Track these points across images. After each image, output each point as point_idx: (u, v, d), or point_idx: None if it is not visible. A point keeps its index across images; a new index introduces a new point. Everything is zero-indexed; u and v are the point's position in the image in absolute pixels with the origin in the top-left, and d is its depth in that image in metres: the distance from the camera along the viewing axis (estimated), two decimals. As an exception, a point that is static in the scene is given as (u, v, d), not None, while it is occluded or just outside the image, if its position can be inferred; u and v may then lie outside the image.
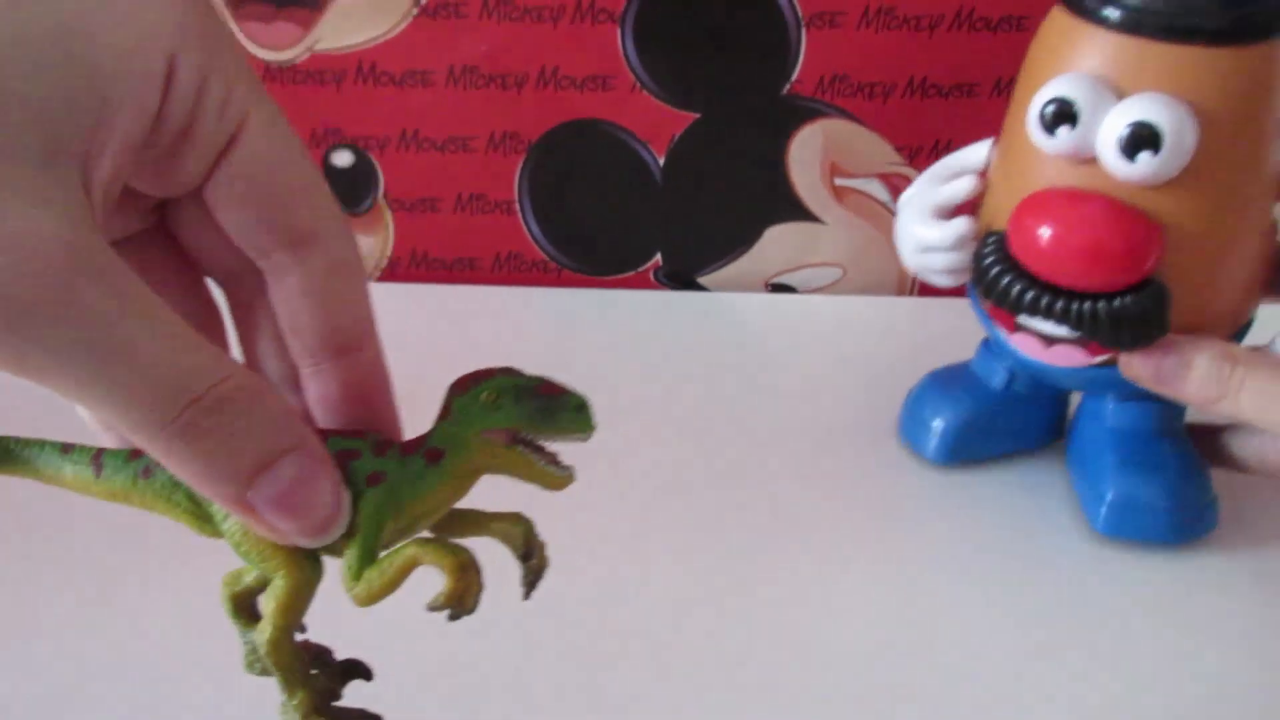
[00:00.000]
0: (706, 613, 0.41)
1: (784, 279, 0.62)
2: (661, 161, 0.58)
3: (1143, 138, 0.35)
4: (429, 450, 0.24)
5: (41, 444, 0.26)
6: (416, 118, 0.57)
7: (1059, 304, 0.38)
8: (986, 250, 0.40)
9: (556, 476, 0.25)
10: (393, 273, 0.62)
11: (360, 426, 0.26)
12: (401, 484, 0.24)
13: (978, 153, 0.44)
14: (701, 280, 0.62)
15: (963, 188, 0.43)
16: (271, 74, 0.56)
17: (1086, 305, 0.37)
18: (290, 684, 0.25)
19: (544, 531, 0.27)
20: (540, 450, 0.25)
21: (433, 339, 0.56)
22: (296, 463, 0.22)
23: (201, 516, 0.25)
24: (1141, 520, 0.43)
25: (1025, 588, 0.42)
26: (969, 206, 0.43)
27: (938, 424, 0.47)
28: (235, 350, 0.28)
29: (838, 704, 0.37)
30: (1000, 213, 0.40)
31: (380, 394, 0.27)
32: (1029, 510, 0.45)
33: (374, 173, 0.59)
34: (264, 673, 0.26)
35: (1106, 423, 0.44)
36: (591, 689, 0.38)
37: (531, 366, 0.25)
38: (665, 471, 0.47)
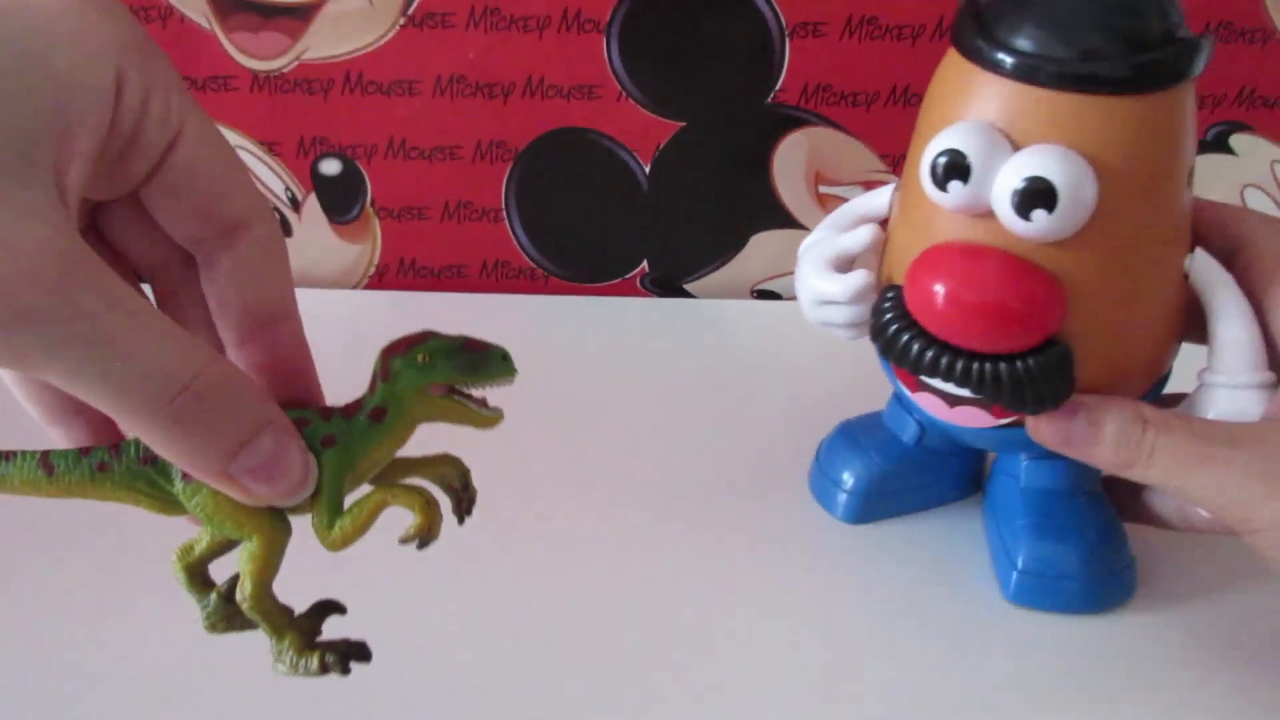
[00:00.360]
0: (636, 623, 0.40)
1: (769, 285, 0.62)
2: (647, 169, 0.59)
3: (1037, 194, 0.33)
4: (373, 410, 0.27)
5: None
6: (404, 126, 0.58)
7: (959, 365, 0.35)
8: (885, 305, 0.37)
9: (488, 417, 0.28)
10: (381, 280, 0.62)
11: (287, 395, 0.28)
12: (353, 443, 0.27)
13: (879, 199, 0.41)
14: (688, 287, 0.63)
15: (860, 238, 0.40)
16: (260, 83, 0.56)
17: (987, 367, 0.35)
18: (278, 629, 0.27)
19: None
20: (471, 398, 0.28)
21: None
22: (271, 436, 0.25)
23: (163, 499, 0.27)
24: (1053, 590, 0.41)
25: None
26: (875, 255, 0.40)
27: (846, 482, 0.45)
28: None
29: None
30: (900, 265, 0.37)
31: (304, 362, 0.29)
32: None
33: (362, 181, 0.59)
34: (227, 629, 0.29)
35: (1020, 482, 0.42)
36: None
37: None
38: (645, 477, 0.48)
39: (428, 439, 0.29)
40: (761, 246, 0.61)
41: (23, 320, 0.21)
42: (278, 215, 0.60)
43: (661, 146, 0.58)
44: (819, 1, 0.54)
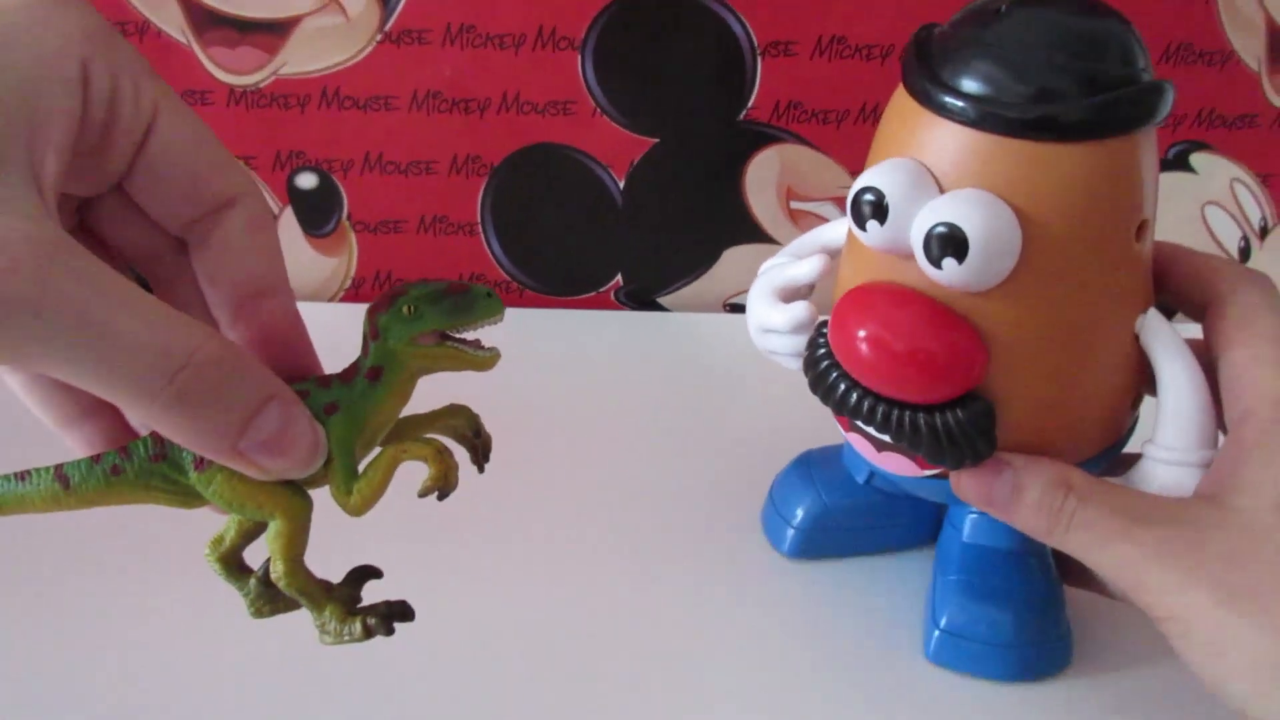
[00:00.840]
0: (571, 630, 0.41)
1: (742, 299, 0.63)
2: (622, 185, 0.59)
3: (947, 241, 0.30)
4: (370, 370, 0.27)
5: None
6: (380, 141, 0.58)
7: (879, 411, 0.34)
8: (819, 341, 0.36)
9: (485, 358, 0.28)
10: (357, 293, 0.62)
11: (285, 367, 0.28)
12: (356, 406, 0.27)
13: (837, 231, 0.39)
14: (661, 300, 0.63)
15: (808, 269, 0.39)
16: (236, 98, 0.57)
17: (907, 415, 0.33)
18: (317, 602, 0.28)
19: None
20: (464, 341, 0.27)
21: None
22: (277, 408, 0.25)
23: (181, 493, 0.27)
24: (977, 654, 0.39)
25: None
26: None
27: (795, 517, 0.44)
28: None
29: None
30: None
31: (298, 334, 0.29)
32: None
33: (338, 195, 0.60)
34: (272, 613, 0.29)
35: (962, 535, 0.40)
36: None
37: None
38: (612, 491, 0.48)
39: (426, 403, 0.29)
40: (734, 261, 0.62)
41: (6, 310, 0.21)
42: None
43: (635, 162, 0.59)
44: (790, 21, 0.55)
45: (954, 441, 0.33)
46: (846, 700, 0.39)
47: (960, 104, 0.31)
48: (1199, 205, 0.61)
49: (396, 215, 0.60)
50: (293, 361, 0.28)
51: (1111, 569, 0.31)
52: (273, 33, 0.55)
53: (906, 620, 0.41)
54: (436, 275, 0.62)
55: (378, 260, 0.62)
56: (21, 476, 0.27)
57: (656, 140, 0.58)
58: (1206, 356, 0.34)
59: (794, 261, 0.40)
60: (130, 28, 0.55)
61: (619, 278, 0.63)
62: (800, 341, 0.38)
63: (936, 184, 0.32)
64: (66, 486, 0.27)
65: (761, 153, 0.59)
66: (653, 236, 0.61)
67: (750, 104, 0.57)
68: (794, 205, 0.60)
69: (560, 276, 0.63)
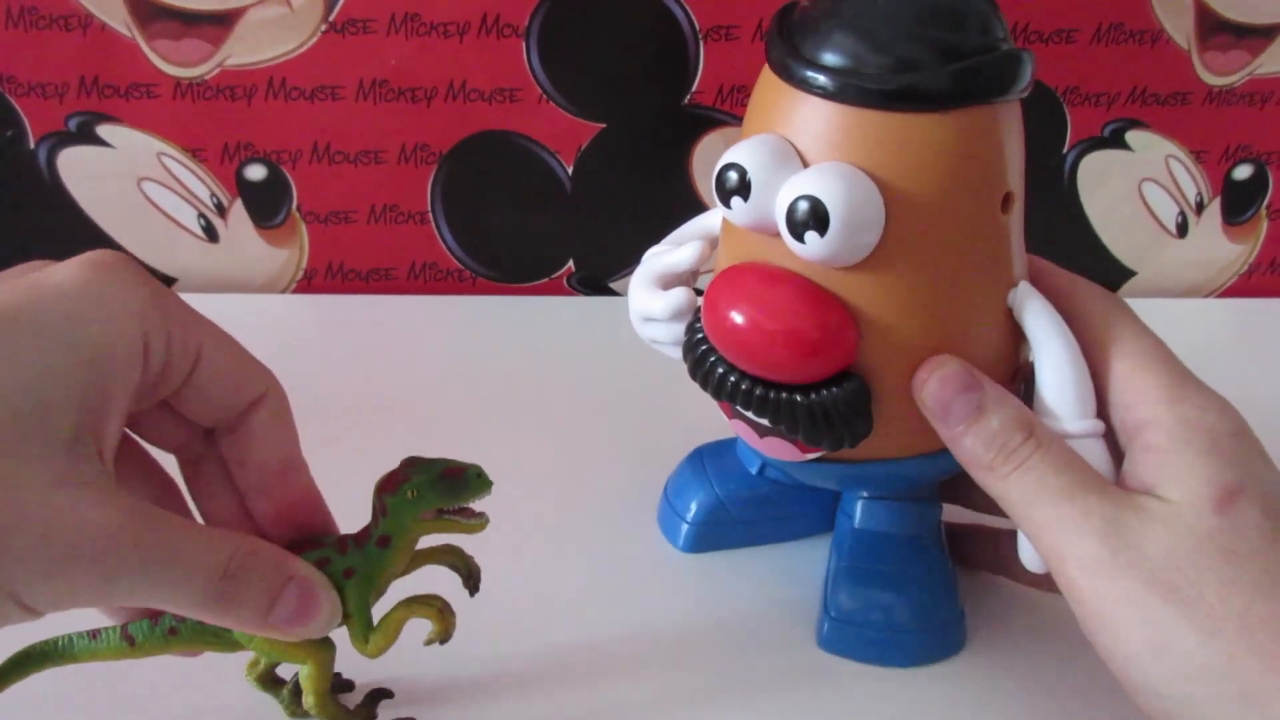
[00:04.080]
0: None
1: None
2: (570, 170, 0.60)
3: (808, 214, 0.30)
4: (379, 539, 0.32)
5: (69, 638, 0.32)
6: (328, 131, 0.58)
7: (756, 393, 0.33)
8: (695, 326, 0.36)
9: (475, 525, 0.32)
10: (309, 284, 0.62)
11: (305, 529, 0.32)
12: (370, 569, 0.32)
13: (718, 217, 0.39)
14: (613, 286, 0.64)
15: (685, 256, 0.38)
16: (182, 90, 0.57)
17: (782, 396, 0.33)
18: None
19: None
20: (458, 511, 0.32)
21: (351, 349, 0.57)
22: (295, 589, 0.29)
23: (229, 642, 0.32)
24: (866, 641, 0.38)
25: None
26: None
27: (689, 511, 0.43)
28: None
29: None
30: None
31: (316, 500, 0.33)
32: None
33: (287, 186, 0.60)
34: (304, 714, 0.35)
35: (853, 521, 0.39)
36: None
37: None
38: (568, 474, 0.48)
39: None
40: (683, 244, 0.62)
41: (94, 572, 0.25)
42: (204, 221, 0.60)
43: (583, 148, 0.59)
44: (731, 6, 0.56)
45: (830, 421, 0.33)
46: (738, 689, 0.38)
47: (820, 77, 0.31)
48: (1136, 182, 0.62)
49: (347, 205, 0.61)
50: (312, 524, 0.32)
51: (1043, 528, 0.30)
52: (217, 24, 0.55)
53: (804, 610, 0.41)
54: (388, 265, 0.62)
55: (329, 251, 0.62)
56: (93, 635, 0.32)
57: (603, 126, 0.59)
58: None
59: (673, 248, 0.40)
60: (74, 21, 0.55)
61: (570, 264, 0.63)
62: (680, 329, 0.38)
63: (800, 159, 0.32)
64: (132, 645, 0.32)
65: (707, 136, 0.59)
66: (603, 222, 0.62)
67: (694, 88, 0.58)
68: (741, 188, 0.61)
69: (512, 264, 0.63)
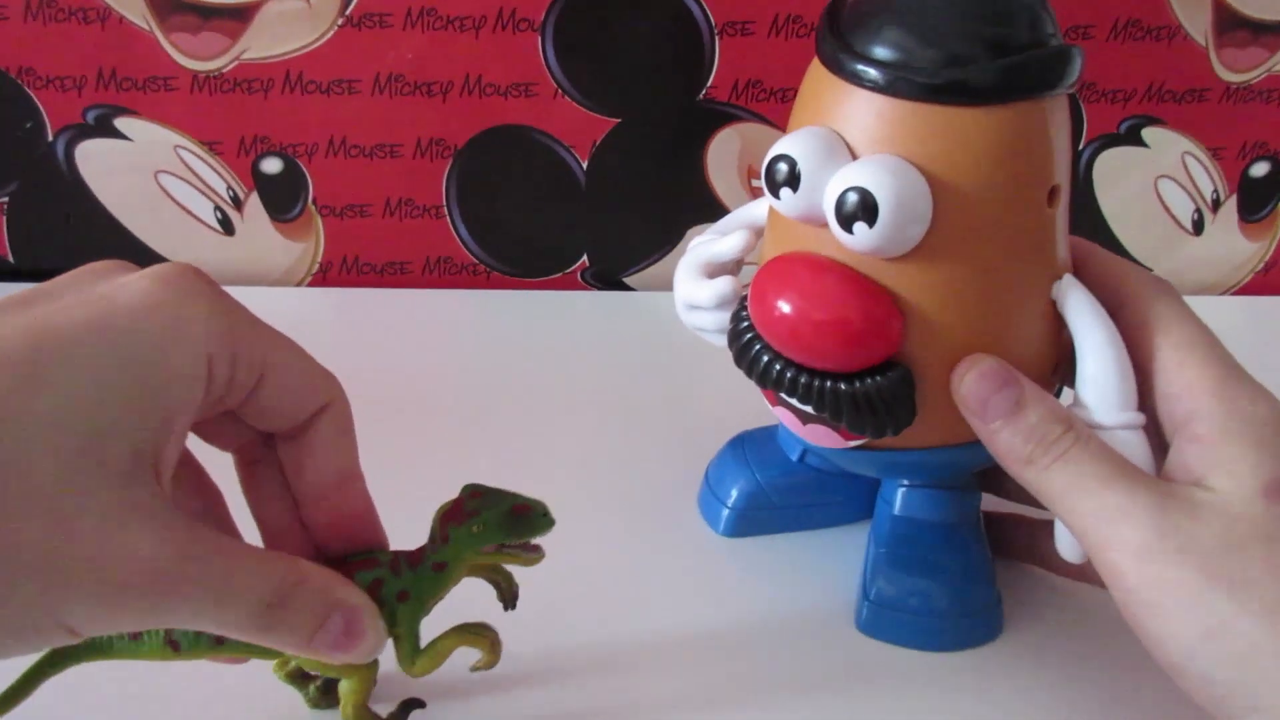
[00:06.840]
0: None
1: (706, 277, 0.64)
2: (585, 165, 0.60)
3: (858, 206, 0.31)
4: (436, 564, 0.32)
5: (108, 638, 0.32)
6: (344, 125, 0.59)
7: (801, 381, 0.34)
8: (741, 314, 0.36)
9: (533, 560, 0.33)
10: (324, 278, 0.63)
11: (359, 542, 0.32)
12: (423, 592, 0.32)
13: (764, 207, 0.39)
14: (627, 280, 0.64)
15: (731, 245, 0.39)
16: (199, 83, 0.57)
17: (827, 384, 0.33)
18: None
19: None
20: (519, 545, 0.32)
21: (365, 343, 0.57)
22: (339, 617, 0.29)
23: (273, 654, 0.32)
24: (906, 625, 0.39)
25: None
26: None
27: (730, 497, 0.43)
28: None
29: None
30: None
31: (370, 514, 0.33)
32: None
33: (303, 179, 0.60)
34: (327, 706, 0.35)
35: (893, 508, 0.40)
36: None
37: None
38: (583, 466, 0.49)
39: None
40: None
41: (149, 605, 0.25)
42: (220, 214, 0.60)
43: (598, 143, 0.59)
44: (747, 1, 0.56)
45: (874, 409, 0.33)
46: (777, 671, 0.39)
47: (871, 71, 0.32)
48: (1152, 179, 0.62)
49: (362, 199, 0.61)
50: (366, 536, 0.32)
51: (1086, 516, 0.31)
52: (235, 18, 0.56)
53: (843, 594, 0.41)
54: (403, 259, 0.62)
55: (344, 245, 0.62)
56: (135, 636, 0.31)
57: (618, 121, 0.59)
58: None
59: (719, 238, 0.40)
60: (92, 14, 0.55)
61: (585, 258, 0.63)
62: (725, 317, 0.38)
63: (849, 151, 0.32)
64: (176, 650, 0.31)
65: (722, 131, 0.59)
66: (617, 217, 0.62)
67: (709, 83, 0.58)
68: (755, 184, 0.61)
69: (526, 258, 0.63)
